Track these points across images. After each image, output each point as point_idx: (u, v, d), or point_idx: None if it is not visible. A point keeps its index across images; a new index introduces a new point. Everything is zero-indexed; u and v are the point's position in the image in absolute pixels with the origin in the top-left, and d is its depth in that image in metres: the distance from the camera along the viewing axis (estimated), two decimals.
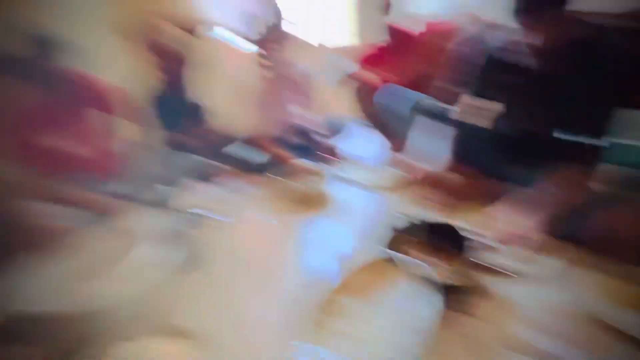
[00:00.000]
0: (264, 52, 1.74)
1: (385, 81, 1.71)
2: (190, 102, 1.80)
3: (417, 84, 1.54)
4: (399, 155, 1.61)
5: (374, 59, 1.75)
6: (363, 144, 1.96)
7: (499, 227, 0.78)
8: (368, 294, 0.69)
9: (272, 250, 1.05)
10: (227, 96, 1.79)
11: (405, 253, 0.84)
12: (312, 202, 1.33)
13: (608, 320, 0.62)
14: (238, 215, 1.29)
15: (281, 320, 0.66)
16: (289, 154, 1.68)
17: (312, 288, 0.73)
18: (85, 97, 1.37)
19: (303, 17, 3.01)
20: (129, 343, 0.63)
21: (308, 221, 1.20)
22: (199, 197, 1.40)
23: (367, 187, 1.47)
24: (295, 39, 1.92)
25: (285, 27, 1.79)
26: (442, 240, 0.86)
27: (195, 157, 1.73)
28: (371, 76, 1.72)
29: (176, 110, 1.77)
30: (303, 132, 1.89)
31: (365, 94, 1.72)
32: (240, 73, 1.80)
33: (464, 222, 0.98)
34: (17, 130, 1.17)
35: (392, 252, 0.70)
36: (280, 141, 1.83)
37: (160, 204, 0.90)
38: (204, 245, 1.03)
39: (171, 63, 1.69)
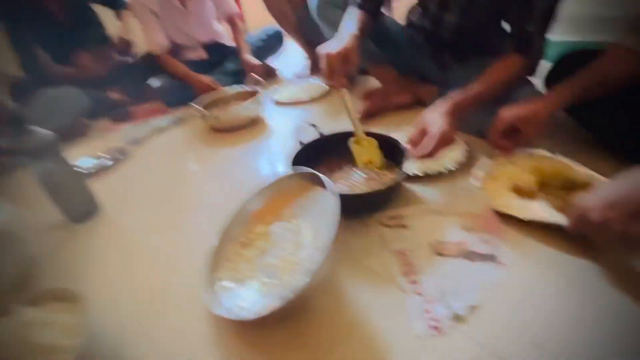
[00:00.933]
0: None
1: None
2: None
3: None
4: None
5: None
6: (290, 59, 1.77)
7: (416, 131, 0.71)
8: (284, 214, 0.63)
9: (189, 186, 0.94)
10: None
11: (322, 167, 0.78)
12: (243, 129, 1.20)
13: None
14: (153, 157, 1.15)
15: (196, 257, 0.60)
16: (210, 79, 1.47)
17: (230, 219, 0.65)
18: None
19: None
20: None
21: (238, 150, 1.09)
22: (112, 139, 1.21)
23: (295, 104, 1.34)
24: None
25: None
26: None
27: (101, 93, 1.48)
28: None
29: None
30: (230, 52, 1.65)
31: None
32: None
33: (390, 130, 0.92)
34: None
35: (305, 169, 0.61)
36: (203, 64, 1.60)
37: (48, 150, 0.73)
38: (105, 193, 0.90)
39: None
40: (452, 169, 0.77)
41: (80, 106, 1.35)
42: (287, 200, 0.66)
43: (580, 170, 0.67)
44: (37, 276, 0.67)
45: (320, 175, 0.58)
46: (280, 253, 0.58)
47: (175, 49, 1.56)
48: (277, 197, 0.66)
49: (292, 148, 0.78)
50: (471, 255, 0.58)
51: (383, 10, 1.05)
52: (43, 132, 0.73)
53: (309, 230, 0.59)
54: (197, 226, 0.75)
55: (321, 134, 0.86)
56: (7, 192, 1.03)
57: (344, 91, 0.76)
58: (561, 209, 0.58)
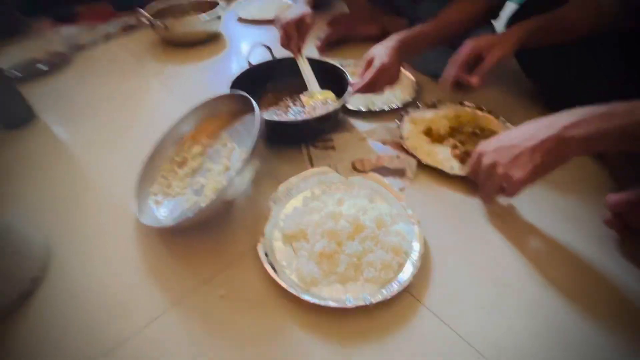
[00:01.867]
0: None
1: None
2: None
3: None
4: None
5: None
6: None
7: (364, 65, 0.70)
8: (220, 137, 0.64)
9: (132, 101, 0.90)
10: None
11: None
12: (199, 44, 1.12)
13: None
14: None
15: (133, 172, 0.61)
16: None
17: (163, 137, 0.65)
18: None
19: None
20: None
21: (189, 67, 1.03)
22: (48, 42, 1.10)
23: (259, 22, 1.25)
24: None
25: None
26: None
27: None
28: None
29: None
30: None
31: None
32: None
33: (344, 60, 0.89)
34: None
35: (240, 92, 0.60)
36: None
37: None
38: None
39: None
40: (395, 107, 0.78)
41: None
42: (223, 123, 0.66)
43: (494, 120, 0.71)
44: None
45: (251, 99, 0.57)
46: (209, 173, 0.61)
47: None
48: (211, 119, 0.66)
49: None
50: (383, 170, 0.63)
51: None
52: None
53: (239, 153, 0.61)
54: (136, 142, 0.74)
55: (273, 57, 0.83)
56: None
57: (300, 56, 0.78)
58: (463, 155, 0.64)
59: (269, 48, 0.84)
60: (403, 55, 0.70)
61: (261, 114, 0.54)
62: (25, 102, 0.81)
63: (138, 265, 0.52)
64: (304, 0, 0.85)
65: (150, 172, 0.63)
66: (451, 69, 0.65)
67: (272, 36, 1.14)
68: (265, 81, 0.81)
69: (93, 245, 0.55)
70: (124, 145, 0.75)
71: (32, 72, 0.97)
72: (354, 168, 0.65)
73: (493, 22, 0.87)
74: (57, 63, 1.02)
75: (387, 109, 0.78)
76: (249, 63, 0.80)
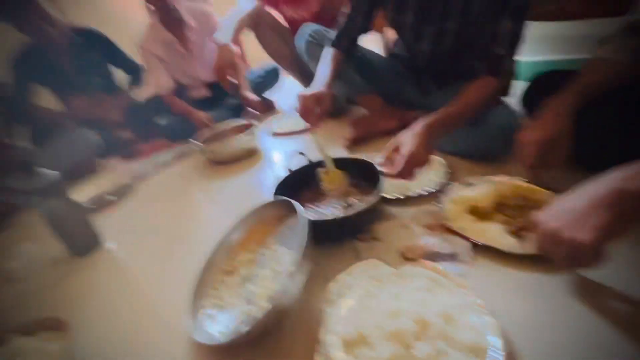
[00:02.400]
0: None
1: (294, 19, 1.58)
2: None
3: (325, 17, 1.42)
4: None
5: None
6: (289, 92, 1.85)
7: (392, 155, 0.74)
8: (267, 242, 0.66)
9: (187, 218, 0.99)
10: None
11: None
12: (240, 160, 1.26)
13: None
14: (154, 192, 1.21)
15: (184, 287, 0.63)
16: (206, 116, 1.56)
17: (213, 248, 0.69)
18: None
19: None
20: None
21: (234, 181, 1.14)
22: (117, 176, 1.29)
23: (291, 134, 1.40)
24: None
25: None
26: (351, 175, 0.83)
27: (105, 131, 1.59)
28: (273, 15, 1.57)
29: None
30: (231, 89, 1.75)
31: (271, 37, 1.58)
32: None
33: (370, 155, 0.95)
34: None
35: (281, 197, 0.65)
36: (207, 101, 1.71)
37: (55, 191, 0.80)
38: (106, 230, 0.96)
39: None
40: (432, 190, 0.79)
41: (93, 146, 1.45)
42: (270, 228, 0.69)
43: (537, 189, 0.69)
44: (37, 308, 0.72)
45: (294, 202, 0.61)
46: (260, 280, 0.61)
47: (181, 89, 1.68)
48: (259, 226, 0.69)
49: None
50: (435, 256, 0.60)
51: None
52: (49, 173, 0.80)
53: (287, 256, 0.62)
54: (192, 256, 0.78)
55: (309, 161, 0.90)
56: (19, 231, 1.10)
57: (316, 130, 0.86)
58: (518, 230, 0.60)
59: (302, 154, 0.92)
60: (430, 138, 0.74)
61: (305, 214, 0.56)
62: (94, 230, 0.91)
63: None
64: (322, 82, 0.95)
65: (202, 285, 0.64)
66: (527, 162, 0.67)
67: (304, 145, 1.27)
68: (304, 185, 0.86)
69: None
70: (181, 261, 0.79)
71: (103, 203, 1.12)
72: (404, 257, 0.62)
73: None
74: (123, 193, 1.17)
75: (424, 193, 0.79)
76: (289, 170, 0.87)
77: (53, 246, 0.86)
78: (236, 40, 1.39)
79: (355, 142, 1.15)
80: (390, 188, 0.81)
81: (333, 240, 0.70)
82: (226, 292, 0.62)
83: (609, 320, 0.45)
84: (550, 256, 0.47)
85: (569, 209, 0.44)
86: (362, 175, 0.81)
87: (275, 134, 1.45)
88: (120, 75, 1.72)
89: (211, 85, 1.75)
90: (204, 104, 1.68)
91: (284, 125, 1.49)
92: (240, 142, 1.26)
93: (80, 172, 1.38)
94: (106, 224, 0.99)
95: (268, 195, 0.76)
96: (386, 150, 0.75)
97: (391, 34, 1.18)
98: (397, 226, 0.71)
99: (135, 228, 0.98)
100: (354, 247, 0.67)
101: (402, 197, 0.79)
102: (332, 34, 1.05)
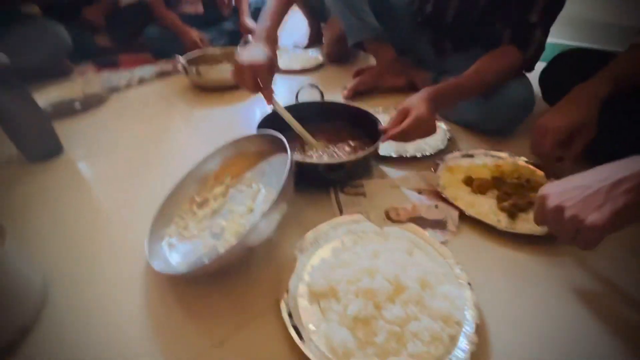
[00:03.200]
0: None
1: None
2: None
3: None
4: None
5: None
6: (292, 27, 1.66)
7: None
8: (245, 177, 0.60)
9: (160, 141, 0.90)
10: None
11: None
12: (227, 90, 1.15)
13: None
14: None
15: (148, 211, 0.57)
16: (198, 35, 1.40)
17: (185, 176, 0.62)
18: None
19: None
20: None
21: (217, 111, 1.04)
22: (88, 84, 1.15)
23: (286, 72, 1.29)
24: None
25: None
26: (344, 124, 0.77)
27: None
28: None
29: None
30: (228, 12, 1.57)
31: None
32: None
33: (377, 112, 0.87)
34: None
35: (269, 131, 0.58)
36: (199, 19, 1.52)
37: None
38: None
39: None
40: (427, 154, 0.74)
41: (62, 45, 1.28)
42: (248, 163, 0.62)
43: (539, 173, 0.65)
44: None
45: (282, 138, 0.54)
46: (231, 215, 0.56)
47: (172, 0, 1.49)
48: (237, 158, 0.63)
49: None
50: (421, 221, 0.57)
51: None
52: None
53: (265, 195, 0.56)
54: (161, 181, 0.72)
55: (322, 97, 0.82)
56: None
57: (276, 101, 0.69)
58: (510, 207, 0.57)
59: (317, 87, 0.84)
60: (439, 107, 0.68)
61: (292, 155, 0.50)
62: (54, 136, 0.81)
63: (143, 319, 0.45)
64: (265, 39, 0.74)
65: (168, 211, 0.59)
66: (545, 149, 0.61)
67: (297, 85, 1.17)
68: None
69: (96, 290, 0.49)
70: (146, 184, 0.72)
71: (67, 110, 1.00)
72: (388, 217, 0.59)
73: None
74: (92, 103, 1.05)
75: (419, 155, 0.74)
76: (296, 99, 0.80)
77: (7, 146, 0.77)
78: None
79: (355, 94, 1.06)
80: (386, 146, 0.76)
81: (316, 187, 0.65)
82: (193, 222, 0.57)
83: (586, 310, 0.44)
84: (551, 231, 0.44)
85: (583, 187, 0.40)
86: (360, 127, 0.74)
87: None
88: None
89: (206, 3, 1.55)
90: (195, 21, 1.48)
91: (282, 62, 1.37)
92: (230, 70, 1.13)
93: (45, 71, 1.22)
94: (70, 133, 0.89)
95: (250, 130, 0.68)
96: (397, 113, 0.67)
97: None
98: (386, 185, 0.67)
99: (101, 142, 0.89)
100: (337, 199, 0.63)
101: (395, 156, 0.74)
102: None
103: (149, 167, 0.78)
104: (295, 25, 1.69)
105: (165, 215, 0.58)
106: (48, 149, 0.80)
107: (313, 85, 0.83)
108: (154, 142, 0.89)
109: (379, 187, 0.66)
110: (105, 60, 1.40)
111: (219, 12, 1.57)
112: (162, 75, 1.28)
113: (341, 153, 0.71)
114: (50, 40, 1.20)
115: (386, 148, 0.75)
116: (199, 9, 1.56)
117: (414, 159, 0.74)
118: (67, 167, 0.79)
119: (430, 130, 0.67)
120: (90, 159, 0.82)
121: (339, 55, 1.36)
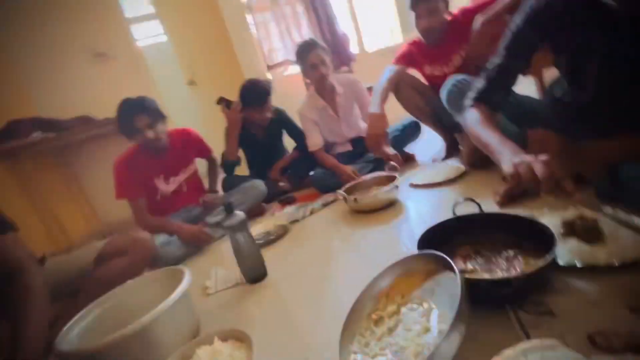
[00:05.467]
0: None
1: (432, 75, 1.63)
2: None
3: (468, 70, 1.38)
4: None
5: (409, 55, 1.65)
6: (428, 144, 1.88)
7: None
8: (414, 296, 0.65)
9: (332, 260, 1.08)
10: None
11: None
12: (381, 211, 1.31)
13: None
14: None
15: (332, 324, 0.68)
16: (351, 169, 1.71)
17: (360, 295, 0.72)
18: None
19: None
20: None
21: (375, 229, 1.19)
22: (276, 218, 1.55)
23: (430, 185, 1.37)
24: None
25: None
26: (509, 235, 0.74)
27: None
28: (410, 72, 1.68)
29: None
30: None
31: (410, 94, 1.66)
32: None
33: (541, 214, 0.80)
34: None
35: (431, 251, 0.63)
36: (349, 154, 1.89)
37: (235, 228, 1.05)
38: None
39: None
40: (630, 261, 0.62)
41: (262, 194, 1.81)
42: (416, 281, 0.68)
43: None
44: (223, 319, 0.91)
45: (447, 258, 0.59)
46: (409, 334, 0.60)
47: (329, 145, 1.94)
48: (404, 277, 0.70)
49: (425, 228, 0.80)
50: None
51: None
52: (240, 213, 1.04)
53: (437, 314, 0.59)
54: (336, 295, 0.86)
55: (480, 209, 0.82)
56: (213, 256, 1.44)
57: None
58: None
59: (474, 200, 0.83)
60: None
61: (461, 274, 0.54)
62: (263, 263, 1.10)
63: None
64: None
65: (350, 327, 0.67)
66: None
67: (445, 196, 1.23)
68: (455, 236, 0.80)
69: None
70: (328, 298, 0.88)
71: (267, 241, 1.35)
72: (593, 343, 0.49)
73: None
74: (281, 234, 1.39)
75: (617, 264, 0.62)
76: (454, 214, 0.83)
77: (235, 272, 1.09)
78: (383, 107, 1.56)
79: (509, 200, 1.02)
80: (565, 254, 0.68)
81: (490, 306, 0.63)
82: (373, 340, 0.63)
83: None
84: None
85: None
86: (527, 239, 0.71)
87: (413, 185, 1.45)
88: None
89: (353, 141, 1.94)
90: (346, 156, 1.87)
91: (422, 177, 1.48)
92: (382, 193, 1.32)
93: (252, 213, 1.72)
94: (268, 258, 1.18)
95: (407, 246, 0.75)
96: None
97: (549, 73, 1.04)
98: (582, 302, 0.58)
99: (290, 264, 1.14)
100: (517, 318, 0.58)
101: (579, 265, 0.64)
102: (477, 82, 0.94)
103: (325, 283, 0.95)
104: (430, 142, 1.86)
105: (349, 331, 0.67)
106: (260, 273, 1.08)
107: (468, 199, 0.84)
108: (326, 261, 1.08)
109: (572, 304, 0.58)
110: (286, 199, 1.86)
111: (363, 145, 1.92)
112: (327, 204, 1.59)
113: (507, 266, 0.68)
114: (257, 191, 1.74)
115: (567, 256, 0.67)
116: (348, 147, 1.95)
117: (610, 269, 0.62)
118: (271, 287, 1.04)
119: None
120: (285, 279, 1.05)
121: (481, 160, 1.37)
